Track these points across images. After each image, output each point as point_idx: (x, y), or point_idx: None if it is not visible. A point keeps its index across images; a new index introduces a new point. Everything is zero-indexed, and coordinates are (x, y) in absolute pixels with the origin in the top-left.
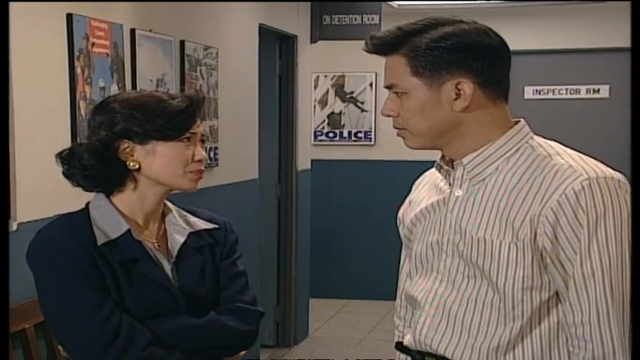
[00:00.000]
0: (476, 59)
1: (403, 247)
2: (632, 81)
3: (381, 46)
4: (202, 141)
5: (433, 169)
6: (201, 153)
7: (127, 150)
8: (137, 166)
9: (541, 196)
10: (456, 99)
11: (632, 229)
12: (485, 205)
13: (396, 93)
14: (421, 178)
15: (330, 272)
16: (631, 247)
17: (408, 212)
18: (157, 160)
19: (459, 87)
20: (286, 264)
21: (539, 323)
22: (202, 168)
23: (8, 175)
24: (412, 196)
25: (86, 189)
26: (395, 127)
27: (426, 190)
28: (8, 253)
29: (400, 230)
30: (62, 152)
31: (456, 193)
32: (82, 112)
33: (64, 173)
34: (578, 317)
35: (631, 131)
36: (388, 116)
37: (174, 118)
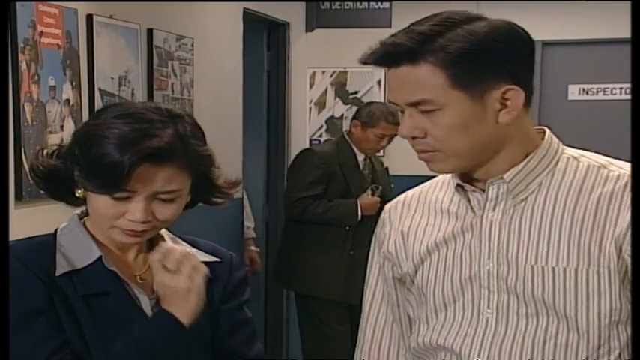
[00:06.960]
0: (516, 60)
1: (386, 287)
2: (632, 80)
3: (398, 55)
4: (164, 199)
5: (415, 191)
6: (136, 213)
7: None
8: (84, 197)
9: (617, 212)
10: (500, 109)
11: (632, 228)
12: (540, 229)
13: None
14: (399, 203)
15: None
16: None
17: (404, 246)
18: (89, 202)
19: (506, 95)
20: (275, 303)
21: None
22: (138, 229)
23: (7, 175)
24: (402, 226)
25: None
26: (419, 150)
27: (424, 217)
28: (8, 254)
29: (387, 268)
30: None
31: (490, 217)
32: (28, 116)
33: None
34: None
35: (631, 131)
36: (412, 138)
37: (108, 169)
